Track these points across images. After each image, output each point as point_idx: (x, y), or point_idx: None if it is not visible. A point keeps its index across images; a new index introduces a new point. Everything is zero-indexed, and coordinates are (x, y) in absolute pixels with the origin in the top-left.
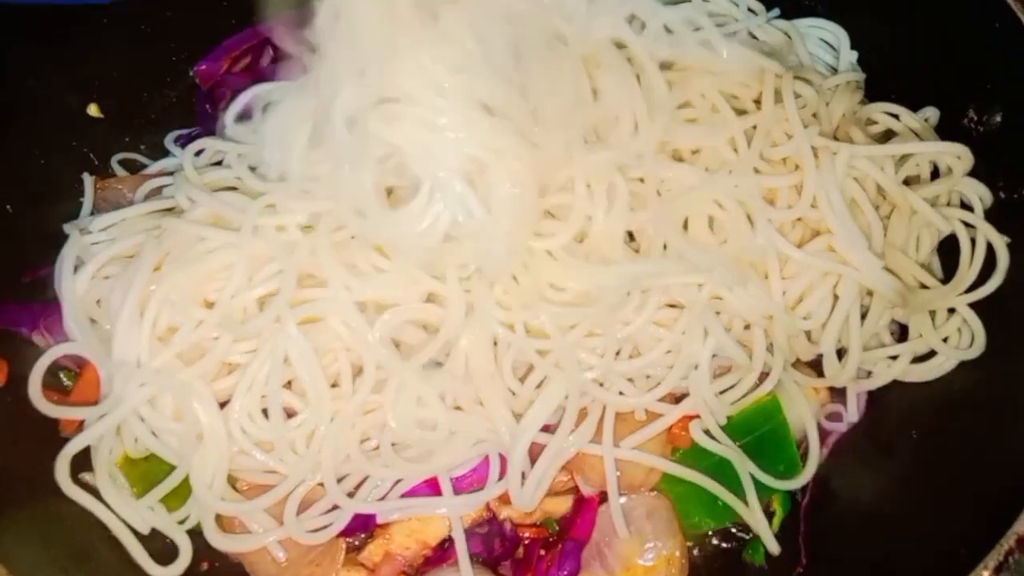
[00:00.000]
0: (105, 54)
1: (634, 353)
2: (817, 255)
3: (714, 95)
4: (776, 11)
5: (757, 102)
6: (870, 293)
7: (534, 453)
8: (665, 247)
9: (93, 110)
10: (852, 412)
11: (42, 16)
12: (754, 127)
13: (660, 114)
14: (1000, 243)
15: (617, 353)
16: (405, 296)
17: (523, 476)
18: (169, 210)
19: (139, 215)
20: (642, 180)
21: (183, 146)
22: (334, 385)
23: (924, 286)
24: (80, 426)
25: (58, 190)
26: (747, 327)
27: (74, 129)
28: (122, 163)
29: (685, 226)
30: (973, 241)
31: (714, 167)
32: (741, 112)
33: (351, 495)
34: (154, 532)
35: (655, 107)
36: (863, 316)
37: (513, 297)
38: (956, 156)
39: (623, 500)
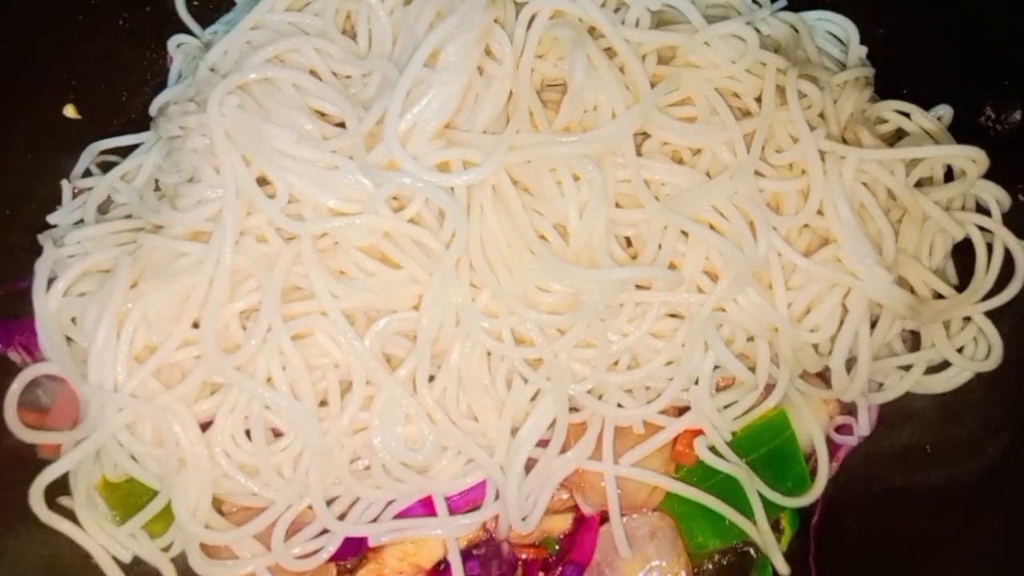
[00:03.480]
0: (81, 52)
1: (633, 364)
2: (824, 265)
3: (710, 92)
4: (782, 2)
5: (760, 100)
6: (880, 304)
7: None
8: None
9: (70, 111)
10: (863, 425)
11: (14, 12)
12: (753, 129)
13: (637, 101)
14: (1018, 248)
15: (615, 364)
16: (396, 300)
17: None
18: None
19: (114, 231)
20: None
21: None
22: (322, 404)
23: (938, 295)
24: (59, 447)
25: (34, 196)
26: (751, 339)
27: (50, 131)
28: (100, 166)
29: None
30: (990, 247)
31: (715, 171)
32: (746, 112)
33: (342, 517)
34: (136, 557)
35: (632, 94)
36: (872, 326)
37: (499, 303)
38: (971, 159)
39: (625, 520)
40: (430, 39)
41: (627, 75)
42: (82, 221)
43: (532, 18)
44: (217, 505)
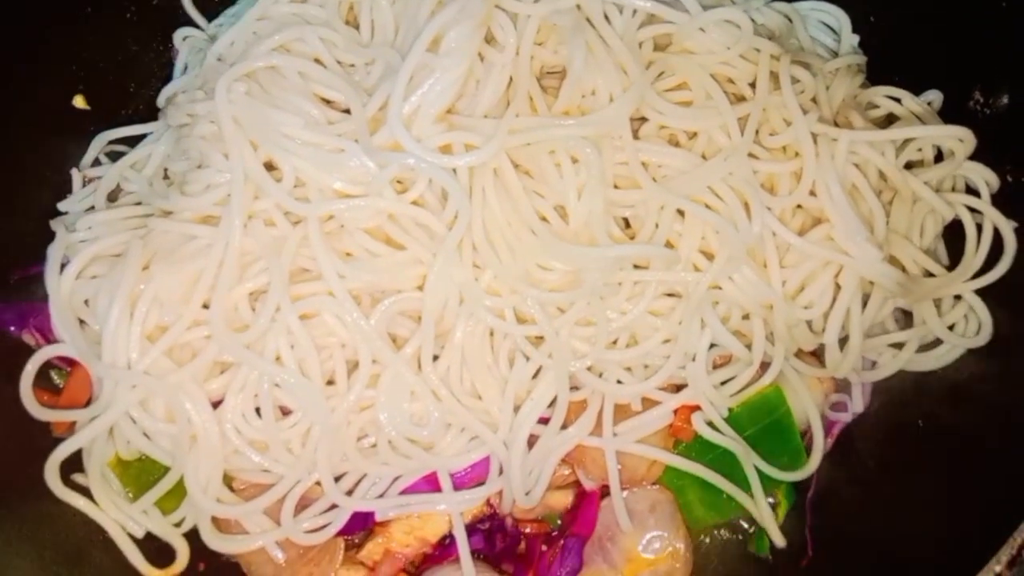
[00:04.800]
0: (90, 44)
1: (631, 342)
2: (817, 243)
3: (705, 77)
4: None
5: (754, 85)
6: (872, 283)
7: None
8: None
9: (79, 102)
10: (857, 402)
11: (25, 5)
12: (747, 113)
13: (632, 85)
14: (1007, 228)
15: (615, 342)
16: (400, 280)
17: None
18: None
19: (124, 216)
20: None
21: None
22: (330, 382)
23: (929, 273)
24: (72, 425)
25: (45, 185)
26: (746, 316)
27: (60, 122)
28: (109, 155)
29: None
30: (979, 226)
31: (711, 153)
32: (740, 97)
33: (349, 493)
34: (149, 533)
35: (628, 78)
36: (864, 305)
37: (501, 282)
38: (958, 139)
39: (625, 494)
40: (432, 25)
41: (623, 61)
42: (93, 208)
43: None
44: (228, 482)
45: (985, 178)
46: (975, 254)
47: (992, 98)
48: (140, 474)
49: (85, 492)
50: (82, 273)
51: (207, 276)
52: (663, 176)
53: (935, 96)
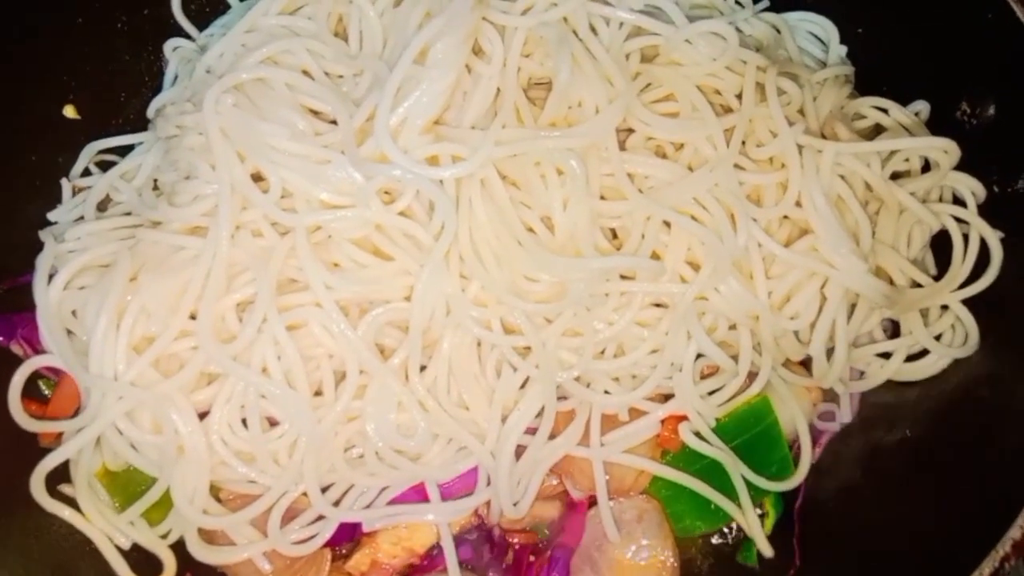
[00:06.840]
0: (81, 54)
1: (618, 352)
2: (803, 254)
3: (691, 89)
4: (765, 3)
5: (741, 97)
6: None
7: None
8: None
9: (70, 111)
10: (845, 412)
11: (16, 15)
12: (733, 124)
13: (618, 96)
14: (993, 238)
15: (602, 352)
16: (388, 291)
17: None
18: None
19: (113, 227)
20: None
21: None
22: (317, 393)
23: (916, 283)
24: (59, 436)
25: (35, 195)
26: (733, 327)
27: (51, 131)
28: (99, 165)
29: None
30: (966, 237)
31: (697, 165)
32: (727, 108)
33: (336, 504)
34: (135, 544)
35: (614, 89)
36: (850, 316)
37: (488, 293)
38: (943, 150)
39: (613, 504)
40: (419, 37)
41: (609, 73)
42: (82, 218)
43: (524, 13)
44: (215, 493)
45: (971, 188)
46: (961, 264)
47: (979, 109)
48: (127, 485)
49: (72, 503)
50: (70, 284)
51: (194, 287)
52: (649, 187)
53: (923, 107)
